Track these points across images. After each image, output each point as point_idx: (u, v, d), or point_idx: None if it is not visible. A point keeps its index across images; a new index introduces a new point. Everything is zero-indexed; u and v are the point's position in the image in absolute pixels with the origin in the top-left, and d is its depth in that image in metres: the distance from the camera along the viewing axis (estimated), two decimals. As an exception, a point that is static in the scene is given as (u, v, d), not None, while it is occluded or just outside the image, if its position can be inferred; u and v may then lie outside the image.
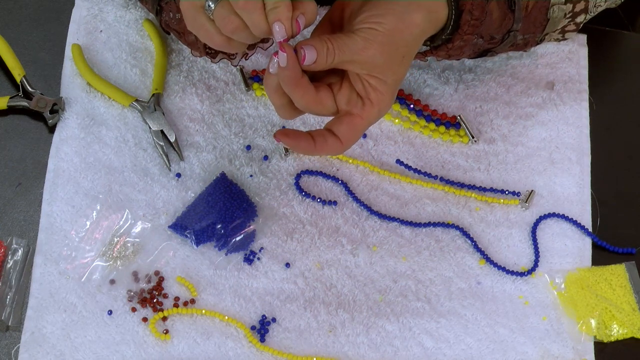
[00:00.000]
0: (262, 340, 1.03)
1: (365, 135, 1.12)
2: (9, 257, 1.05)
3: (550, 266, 1.06)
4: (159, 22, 1.05)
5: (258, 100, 1.13)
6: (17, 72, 1.13)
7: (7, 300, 1.03)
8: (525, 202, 1.08)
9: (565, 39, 1.05)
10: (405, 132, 1.12)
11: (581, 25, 1.03)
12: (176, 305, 1.04)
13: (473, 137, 1.11)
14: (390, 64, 0.89)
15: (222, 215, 1.06)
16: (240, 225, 1.06)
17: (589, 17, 1.04)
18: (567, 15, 0.99)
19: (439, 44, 0.97)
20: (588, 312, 1.03)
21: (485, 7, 0.95)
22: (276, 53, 0.87)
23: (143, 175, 1.09)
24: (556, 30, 1.01)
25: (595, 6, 1.03)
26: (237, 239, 1.06)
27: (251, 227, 1.07)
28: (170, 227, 1.06)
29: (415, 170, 1.10)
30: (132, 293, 1.04)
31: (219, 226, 1.06)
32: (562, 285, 1.05)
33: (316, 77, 0.91)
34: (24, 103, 1.12)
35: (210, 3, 0.87)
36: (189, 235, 1.05)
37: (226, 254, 1.06)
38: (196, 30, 0.91)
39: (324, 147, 0.90)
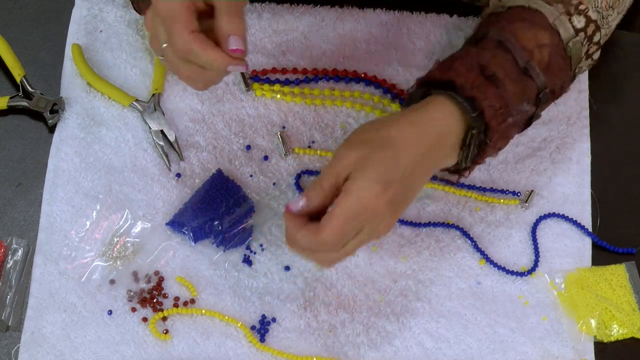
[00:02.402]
0: (262, 340, 1.03)
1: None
2: (9, 257, 1.05)
3: (550, 266, 1.06)
4: (133, 5, 1.05)
5: (258, 100, 1.13)
6: (17, 72, 1.13)
7: (7, 300, 1.03)
8: (525, 202, 1.08)
9: (594, 60, 1.03)
10: (405, 132, 1.12)
11: (601, 43, 1.01)
12: (176, 305, 1.04)
13: (473, 137, 1.11)
14: (360, 151, 0.89)
15: (220, 211, 1.06)
16: (237, 221, 1.06)
17: (605, 32, 1.02)
18: (584, 43, 0.98)
19: (481, 146, 0.95)
20: (588, 312, 1.03)
21: (499, 93, 0.93)
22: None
23: (143, 175, 1.09)
24: (582, 59, 1.00)
25: (603, 18, 1.01)
26: (235, 234, 1.06)
27: (249, 222, 1.07)
28: (167, 224, 1.07)
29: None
30: (132, 293, 1.04)
31: (216, 222, 1.06)
32: (562, 285, 1.05)
33: None
34: (24, 103, 1.12)
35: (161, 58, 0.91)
36: (186, 232, 1.05)
37: (224, 251, 1.06)
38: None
39: (305, 234, 0.89)
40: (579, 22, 0.97)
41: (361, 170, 0.88)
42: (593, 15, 0.98)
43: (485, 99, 0.92)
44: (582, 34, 0.98)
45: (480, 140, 0.94)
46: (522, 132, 1.01)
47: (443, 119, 0.92)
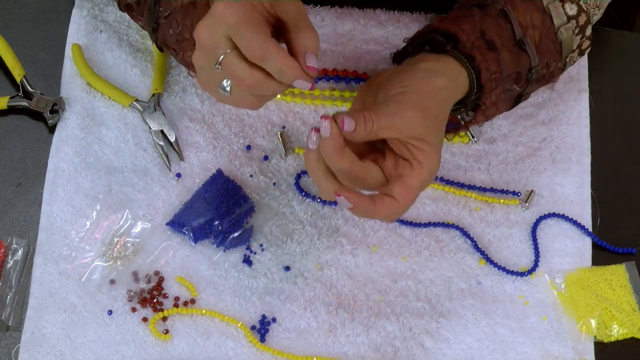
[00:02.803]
0: (262, 340, 1.03)
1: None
2: (9, 257, 1.05)
3: (551, 266, 1.06)
4: (154, 39, 1.03)
5: (258, 100, 1.13)
6: (17, 72, 1.13)
7: (7, 300, 1.03)
8: (526, 202, 1.08)
9: (585, 55, 1.05)
10: (405, 132, 1.12)
11: (592, 37, 1.03)
12: (176, 305, 1.04)
13: (473, 137, 1.11)
14: (426, 123, 0.90)
15: (220, 211, 1.06)
16: (237, 221, 1.06)
17: (596, 17, 1.04)
18: (576, 32, 0.99)
19: (473, 107, 0.97)
20: (588, 312, 1.03)
21: (498, 58, 0.95)
22: (314, 129, 0.87)
23: (143, 175, 1.09)
24: (575, 51, 1.01)
25: (593, 14, 1.03)
26: (235, 234, 1.06)
27: (249, 222, 1.07)
28: (167, 224, 1.07)
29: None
30: (132, 293, 1.04)
31: (216, 222, 1.06)
32: (562, 285, 1.05)
33: (358, 156, 0.91)
34: (24, 103, 1.12)
35: (225, 83, 0.88)
36: (186, 232, 1.06)
37: (224, 251, 1.06)
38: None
39: (382, 207, 0.89)
40: (571, 9, 0.99)
41: (426, 142, 0.90)
42: (584, 6, 1.00)
43: (484, 61, 0.95)
44: (573, 22, 0.99)
45: (473, 105, 0.97)
46: (509, 109, 1.02)
47: (460, 79, 0.95)
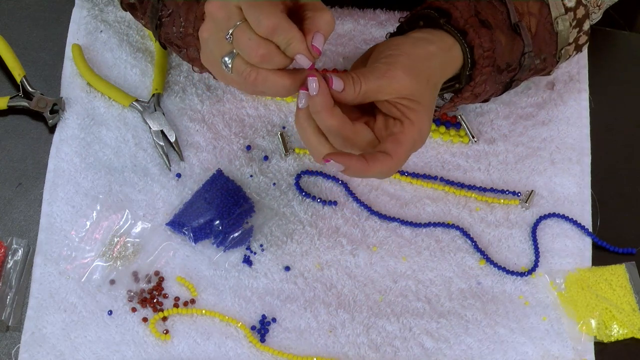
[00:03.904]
0: (262, 340, 1.03)
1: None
2: (9, 257, 1.05)
3: (551, 266, 1.06)
4: (157, 37, 1.03)
5: (258, 100, 1.13)
6: (17, 72, 1.13)
7: (7, 300, 1.03)
8: (526, 202, 1.08)
9: (582, 52, 1.05)
10: (406, 132, 1.12)
11: (589, 33, 1.03)
12: (176, 305, 1.04)
13: (473, 137, 1.11)
14: (416, 83, 0.90)
15: (220, 211, 1.06)
16: (237, 221, 1.06)
17: (596, 18, 1.04)
18: (573, 24, 0.99)
19: (463, 85, 0.97)
20: (588, 312, 1.03)
21: (491, 36, 0.96)
22: (303, 87, 0.87)
23: (143, 175, 1.09)
24: (571, 45, 1.01)
25: (592, 12, 1.03)
26: (235, 235, 1.06)
27: (249, 222, 1.07)
28: (167, 224, 1.07)
29: (411, 174, 1.10)
30: (132, 293, 1.04)
31: (216, 222, 1.06)
32: (562, 286, 1.05)
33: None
34: (24, 103, 1.12)
35: (227, 58, 0.88)
36: (186, 233, 1.06)
37: (224, 251, 1.06)
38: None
39: (375, 164, 0.88)
40: (570, 1, 0.99)
41: (417, 101, 0.90)
42: (584, 0, 1.00)
43: (477, 37, 0.95)
44: (571, 14, 0.99)
45: (464, 79, 0.97)
46: (499, 94, 1.02)
47: (453, 52, 0.95)
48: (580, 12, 0.99)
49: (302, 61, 0.86)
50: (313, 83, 0.86)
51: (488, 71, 0.97)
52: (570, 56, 1.03)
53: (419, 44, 0.93)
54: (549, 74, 1.05)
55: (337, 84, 0.87)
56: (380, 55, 0.92)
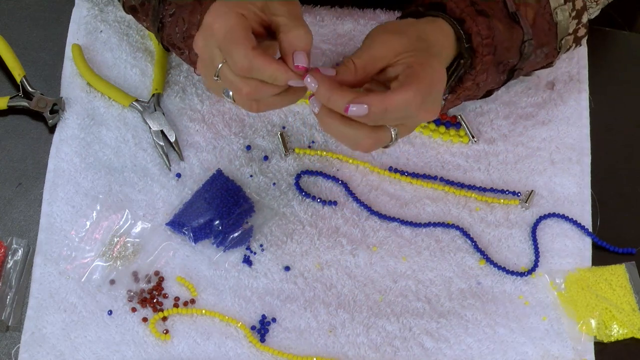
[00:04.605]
0: (262, 340, 1.03)
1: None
2: (9, 257, 1.05)
3: (550, 266, 1.06)
4: (160, 39, 1.03)
5: (258, 100, 1.13)
6: (17, 72, 1.13)
7: (7, 300, 1.03)
8: (525, 202, 1.08)
9: (581, 45, 1.05)
10: (405, 132, 1.12)
11: (588, 26, 1.03)
12: (176, 305, 1.04)
13: (473, 137, 1.11)
14: (407, 39, 0.89)
15: (220, 211, 1.06)
16: (237, 221, 1.06)
17: (593, 13, 1.04)
18: (572, 15, 0.99)
19: (463, 72, 0.97)
20: (588, 312, 1.03)
21: (489, 23, 0.95)
22: (310, 97, 0.88)
23: (143, 175, 1.09)
24: (570, 36, 1.01)
25: (589, 6, 1.03)
26: (235, 235, 1.06)
27: (249, 222, 1.07)
28: (167, 224, 1.07)
29: (411, 174, 1.10)
30: (132, 293, 1.04)
31: (216, 222, 1.06)
32: (562, 286, 1.05)
33: None
34: (24, 103, 1.12)
35: (228, 91, 0.90)
36: (186, 233, 1.06)
37: (224, 251, 1.06)
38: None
39: (395, 95, 0.85)
40: None
41: (422, 53, 0.88)
42: None
43: (475, 25, 0.95)
44: (570, 4, 0.99)
45: (464, 69, 0.96)
46: (502, 83, 1.02)
47: (446, 33, 0.94)
48: (579, 3, 0.99)
49: (297, 84, 0.87)
50: (308, 81, 0.87)
51: (489, 60, 0.96)
52: (570, 48, 1.03)
53: (409, 22, 0.93)
54: (551, 65, 1.05)
55: (326, 71, 0.87)
56: (372, 34, 0.92)
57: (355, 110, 0.85)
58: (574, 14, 1.00)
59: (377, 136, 0.89)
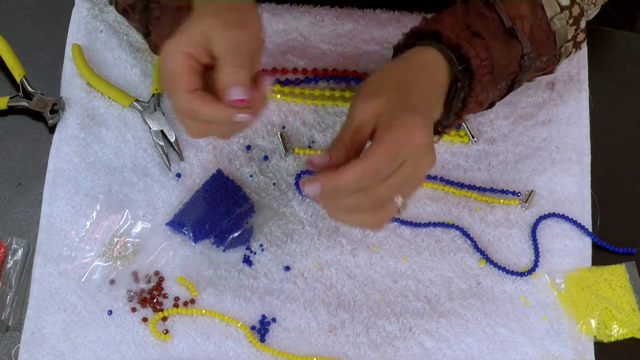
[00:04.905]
0: (262, 340, 1.03)
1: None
2: (9, 257, 1.05)
3: (550, 266, 1.06)
4: (149, 45, 1.04)
5: (258, 100, 1.13)
6: (17, 72, 1.13)
7: (7, 300, 1.03)
8: (526, 202, 1.08)
9: (581, 49, 1.05)
10: (405, 132, 1.12)
11: (586, 30, 1.03)
12: (176, 305, 1.04)
13: (473, 137, 1.11)
14: (384, 99, 0.88)
15: (220, 211, 1.06)
16: (237, 221, 1.06)
17: (592, 14, 1.04)
18: (570, 22, 0.99)
19: (464, 96, 0.96)
20: (588, 312, 1.03)
21: (486, 44, 0.95)
22: (304, 186, 0.87)
23: (143, 175, 1.09)
24: (569, 42, 1.01)
25: (587, 9, 1.03)
26: (235, 235, 1.06)
27: (249, 222, 1.07)
28: (167, 224, 1.07)
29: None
30: (132, 293, 1.04)
31: (216, 222, 1.06)
32: (562, 286, 1.05)
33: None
34: (24, 103, 1.12)
35: None
36: (186, 232, 1.06)
37: (224, 251, 1.06)
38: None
39: (344, 170, 0.84)
40: (565, 0, 0.99)
41: (395, 110, 0.87)
42: None
43: (472, 48, 0.94)
44: (566, 12, 0.99)
45: (464, 93, 0.96)
46: (502, 97, 1.02)
47: (433, 65, 0.93)
48: (576, 10, 0.99)
49: (242, 118, 0.86)
50: (310, 189, 0.86)
51: (487, 79, 0.96)
52: (570, 54, 1.03)
53: (386, 71, 0.92)
54: (551, 72, 1.05)
55: (320, 159, 0.87)
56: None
57: (311, 190, 0.86)
58: (571, 20, 1.00)
59: (379, 215, 0.88)
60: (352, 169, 0.84)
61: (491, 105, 1.03)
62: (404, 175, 0.86)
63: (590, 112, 1.13)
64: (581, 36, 1.02)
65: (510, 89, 1.01)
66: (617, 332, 1.03)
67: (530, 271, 1.06)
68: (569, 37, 1.00)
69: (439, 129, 1.00)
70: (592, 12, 1.05)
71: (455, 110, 0.97)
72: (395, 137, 0.85)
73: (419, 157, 0.86)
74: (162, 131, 1.11)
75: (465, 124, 1.11)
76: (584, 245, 1.07)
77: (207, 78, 0.87)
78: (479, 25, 0.96)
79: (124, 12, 1.05)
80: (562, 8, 0.99)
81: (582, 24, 1.01)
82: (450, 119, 0.98)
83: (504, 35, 0.97)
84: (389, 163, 0.85)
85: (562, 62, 1.04)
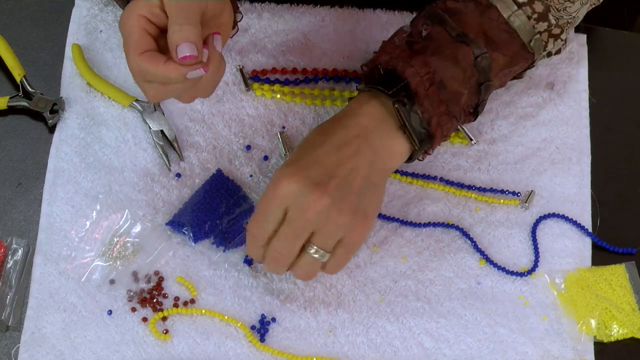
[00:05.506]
0: (262, 340, 1.03)
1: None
2: (9, 257, 1.05)
3: (550, 266, 1.06)
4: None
5: (258, 100, 1.13)
6: (17, 72, 1.13)
7: (7, 300, 1.03)
8: (525, 202, 1.08)
9: (566, 44, 1.05)
10: (405, 132, 1.12)
11: (564, 27, 1.02)
12: (176, 305, 1.04)
13: (472, 140, 1.11)
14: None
15: (220, 211, 1.06)
16: (237, 221, 1.06)
17: (562, 15, 1.02)
18: (533, 17, 0.99)
19: (425, 134, 0.97)
20: (588, 312, 1.03)
21: (425, 59, 0.96)
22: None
23: (143, 175, 1.09)
24: (542, 34, 1.00)
25: (559, 11, 1.02)
26: (235, 235, 1.06)
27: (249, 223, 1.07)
28: (167, 224, 1.07)
29: (411, 174, 1.10)
30: (132, 293, 1.04)
31: (216, 222, 1.06)
32: (562, 286, 1.05)
33: None
34: (24, 103, 1.12)
35: None
36: (186, 232, 1.06)
37: (224, 251, 1.06)
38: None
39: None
40: None
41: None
42: None
43: (409, 67, 0.95)
44: (527, 8, 0.99)
45: (417, 115, 0.96)
46: (481, 100, 1.01)
47: (363, 109, 0.96)
48: (538, 7, 0.99)
49: (194, 74, 0.87)
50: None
51: (433, 90, 0.96)
52: (555, 47, 1.02)
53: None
54: (532, 66, 1.05)
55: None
56: None
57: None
58: (535, 16, 0.99)
59: (299, 266, 0.96)
60: (251, 221, 0.95)
61: (475, 113, 1.02)
62: (292, 223, 0.92)
63: (590, 112, 1.13)
64: (557, 30, 1.01)
65: (478, 92, 1.00)
66: (617, 332, 1.03)
67: (530, 271, 1.06)
68: (539, 30, 1.00)
69: (419, 159, 1.01)
70: (576, 8, 1.02)
71: (420, 134, 0.97)
72: (265, 192, 0.94)
73: (298, 202, 0.92)
74: (162, 131, 1.11)
75: (462, 127, 1.11)
76: (584, 246, 1.07)
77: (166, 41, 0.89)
78: (422, 42, 0.97)
79: None
80: (520, 5, 0.99)
81: (552, 19, 1.00)
82: (423, 146, 0.98)
83: (453, 43, 0.97)
84: (267, 213, 0.93)
85: (544, 56, 1.03)
